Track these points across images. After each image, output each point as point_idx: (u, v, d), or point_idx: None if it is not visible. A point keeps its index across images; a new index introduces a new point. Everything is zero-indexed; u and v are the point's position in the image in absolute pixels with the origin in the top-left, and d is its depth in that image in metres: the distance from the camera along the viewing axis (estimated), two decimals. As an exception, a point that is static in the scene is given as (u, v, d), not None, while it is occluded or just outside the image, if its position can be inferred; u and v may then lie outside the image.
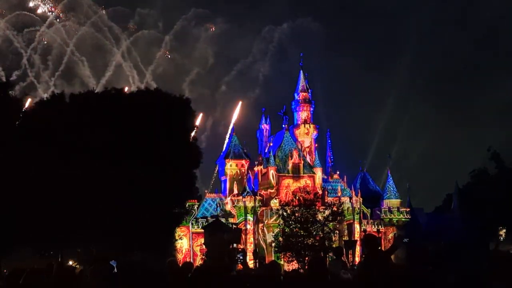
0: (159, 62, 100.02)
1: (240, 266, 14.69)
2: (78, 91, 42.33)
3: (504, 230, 50.31)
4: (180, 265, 11.79)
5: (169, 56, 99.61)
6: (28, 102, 45.31)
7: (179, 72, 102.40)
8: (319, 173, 70.43)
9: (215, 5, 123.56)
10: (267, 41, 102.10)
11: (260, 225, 66.84)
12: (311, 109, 77.33)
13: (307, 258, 49.79)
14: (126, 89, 48.97)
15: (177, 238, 61.21)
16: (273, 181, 68.77)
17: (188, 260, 59.97)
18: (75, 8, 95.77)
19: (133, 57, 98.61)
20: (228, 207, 68.38)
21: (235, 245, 40.48)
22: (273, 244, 59.56)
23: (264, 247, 65.02)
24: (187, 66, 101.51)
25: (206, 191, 71.80)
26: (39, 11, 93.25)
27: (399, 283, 7.57)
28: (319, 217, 56.53)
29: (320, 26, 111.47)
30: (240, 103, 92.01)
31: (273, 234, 60.60)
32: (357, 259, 54.05)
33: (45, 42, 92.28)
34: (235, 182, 70.31)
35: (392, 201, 72.20)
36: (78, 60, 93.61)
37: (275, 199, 67.00)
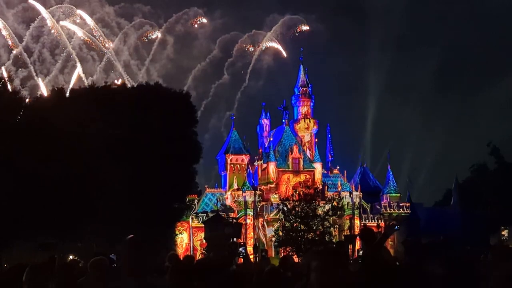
0: (162, 58, 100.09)
1: (241, 260, 14.77)
2: (78, 86, 42.41)
3: (507, 230, 50.44)
4: (181, 258, 11.83)
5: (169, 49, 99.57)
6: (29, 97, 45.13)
7: (181, 69, 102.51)
8: (319, 168, 70.46)
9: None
10: (269, 30, 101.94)
11: (260, 219, 66.89)
12: (311, 104, 77.32)
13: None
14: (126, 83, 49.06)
15: (177, 232, 61.35)
16: (273, 176, 68.83)
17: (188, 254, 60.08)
18: (82, 3, 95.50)
19: (138, 53, 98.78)
20: (228, 202, 68.41)
21: (235, 239, 40.49)
22: (273, 239, 59.65)
23: (264, 241, 65.08)
24: (189, 62, 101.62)
25: (206, 186, 71.90)
26: (47, 5, 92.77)
27: (392, 276, 7.61)
28: (319, 212, 56.56)
29: (321, 22, 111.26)
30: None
31: (273, 229, 60.69)
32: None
33: (55, 35, 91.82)
34: (235, 177, 70.36)
35: (392, 196, 72.23)
36: (87, 56, 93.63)
37: (275, 194, 67.05)
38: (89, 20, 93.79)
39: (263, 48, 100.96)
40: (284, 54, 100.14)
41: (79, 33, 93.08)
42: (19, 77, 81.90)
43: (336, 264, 4.45)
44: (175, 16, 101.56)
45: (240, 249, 15.54)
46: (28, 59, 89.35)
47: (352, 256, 37.99)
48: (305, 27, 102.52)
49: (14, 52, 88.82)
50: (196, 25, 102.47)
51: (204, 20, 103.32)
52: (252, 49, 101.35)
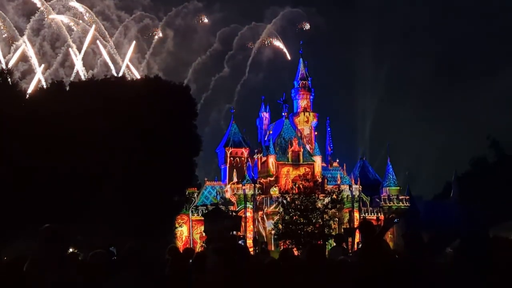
0: (163, 52, 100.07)
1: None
2: (78, 79, 42.33)
3: None
4: (181, 251, 11.85)
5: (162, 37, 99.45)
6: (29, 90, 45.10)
7: (182, 63, 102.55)
8: (318, 161, 70.47)
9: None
10: (269, 23, 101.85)
11: (260, 213, 66.96)
12: (311, 97, 77.32)
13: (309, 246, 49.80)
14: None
15: (177, 225, 61.39)
16: (273, 169, 68.85)
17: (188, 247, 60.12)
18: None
19: (139, 46, 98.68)
20: (228, 195, 68.49)
21: (235, 232, 40.52)
22: (272, 232, 59.70)
23: (264, 234, 65.19)
24: (189, 56, 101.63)
25: (206, 179, 71.91)
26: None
27: (392, 268, 7.64)
28: (319, 205, 56.57)
29: (321, 15, 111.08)
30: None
31: (273, 222, 60.75)
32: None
33: (54, 29, 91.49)
34: (234, 170, 70.38)
35: (391, 189, 72.24)
36: (88, 49, 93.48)
37: (275, 187, 67.12)
38: (89, 14, 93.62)
39: (267, 44, 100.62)
40: (288, 56, 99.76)
41: (79, 26, 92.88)
42: (20, 71, 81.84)
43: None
44: (174, 10, 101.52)
45: (239, 242, 15.60)
46: (28, 53, 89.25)
47: (352, 249, 38.11)
48: (307, 26, 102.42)
49: (14, 45, 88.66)
50: (197, 22, 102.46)
51: (206, 20, 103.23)
52: (253, 44, 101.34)
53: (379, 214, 68.27)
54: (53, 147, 32.50)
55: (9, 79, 37.86)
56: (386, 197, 71.10)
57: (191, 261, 9.31)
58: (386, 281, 7.62)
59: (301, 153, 70.20)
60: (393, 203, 70.44)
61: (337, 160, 74.51)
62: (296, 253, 50.43)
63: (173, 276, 8.51)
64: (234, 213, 50.52)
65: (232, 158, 72.75)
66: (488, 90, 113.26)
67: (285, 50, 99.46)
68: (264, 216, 66.58)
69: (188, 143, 41.42)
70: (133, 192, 34.06)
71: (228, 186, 69.29)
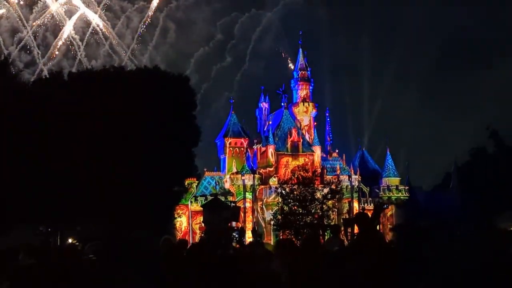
0: (165, 43, 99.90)
1: (237, 246, 14.87)
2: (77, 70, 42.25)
3: None
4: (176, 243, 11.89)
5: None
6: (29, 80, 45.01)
7: (184, 54, 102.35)
8: (318, 152, 70.52)
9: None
10: (270, 13, 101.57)
11: (259, 203, 67.04)
12: (310, 87, 77.21)
13: (305, 236, 49.89)
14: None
15: (176, 216, 61.50)
16: (272, 160, 68.89)
17: (187, 238, 60.34)
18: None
19: (142, 38, 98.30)
20: (227, 185, 68.56)
21: (233, 223, 40.62)
22: (271, 222, 59.82)
23: (263, 225, 65.28)
24: (191, 47, 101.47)
25: (205, 169, 71.89)
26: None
27: (384, 259, 7.69)
28: (318, 195, 56.59)
29: (321, 4, 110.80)
30: None
31: (272, 212, 60.86)
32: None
33: (58, 20, 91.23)
34: (234, 160, 70.42)
35: (391, 180, 72.32)
36: (91, 39, 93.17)
37: (274, 177, 67.14)
38: (92, 4, 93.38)
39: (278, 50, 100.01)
40: (292, 66, 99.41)
41: (81, 16, 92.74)
42: (23, 62, 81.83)
43: None
44: (175, 2, 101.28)
45: (234, 233, 15.65)
46: (31, 43, 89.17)
47: (351, 239, 38.15)
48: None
49: (17, 36, 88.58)
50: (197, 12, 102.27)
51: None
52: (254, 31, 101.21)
53: (378, 204, 68.33)
54: (50, 136, 32.47)
55: (12, 70, 37.81)
56: (386, 187, 71.18)
57: (185, 253, 9.35)
58: (379, 271, 7.65)
59: (300, 144, 70.23)
60: (393, 194, 70.55)
61: (337, 151, 74.56)
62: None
63: (168, 268, 8.55)
64: (233, 204, 50.51)
65: (231, 148, 72.79)
66: (488, 80, 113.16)
67: (288, 58, 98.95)
68: (264, 206, 66.68)
69: (188, 134, 41.43)
70: (132, 182, 34.08)
71: (228, 176, 69.36)
